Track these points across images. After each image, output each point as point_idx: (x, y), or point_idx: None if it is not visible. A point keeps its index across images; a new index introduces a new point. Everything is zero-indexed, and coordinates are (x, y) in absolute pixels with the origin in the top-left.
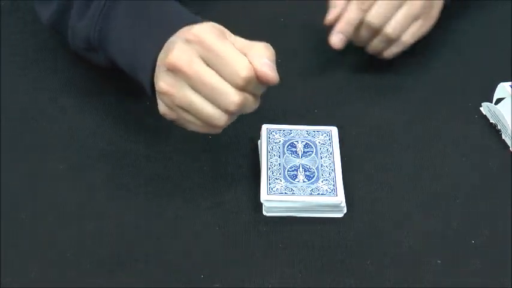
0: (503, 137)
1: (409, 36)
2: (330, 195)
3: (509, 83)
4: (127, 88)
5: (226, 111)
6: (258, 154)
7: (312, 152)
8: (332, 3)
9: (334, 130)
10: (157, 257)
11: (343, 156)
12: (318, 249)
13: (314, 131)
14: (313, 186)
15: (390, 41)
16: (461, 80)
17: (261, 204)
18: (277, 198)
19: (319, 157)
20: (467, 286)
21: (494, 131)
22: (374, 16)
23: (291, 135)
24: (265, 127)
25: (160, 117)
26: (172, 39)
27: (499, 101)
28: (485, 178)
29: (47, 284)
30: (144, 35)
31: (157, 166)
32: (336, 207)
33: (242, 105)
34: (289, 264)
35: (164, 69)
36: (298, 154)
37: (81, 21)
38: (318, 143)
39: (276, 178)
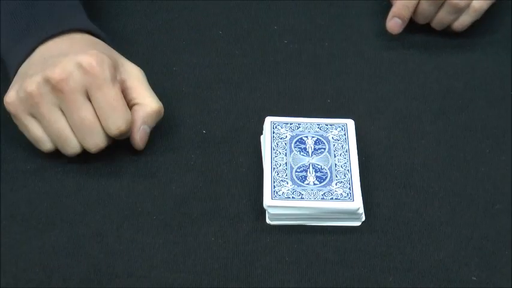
0: None
1: (482, 1)
2: (345, 200)
3: None
4: None
5: (86, 147)
6: (261, 152)
7: (324, 149)
8: None
9: (350, 123)
10: (142, 272)
11: (361, 154)
12: (332, 264)
13: (327, 125)
14: (325, 190)
15: (459, 11)
16: (500, 64)
17: (264, 211)
18: (283, 203)
19: (332, 155)
20: None
21: None
22: None
23: (300, 129)
24: (269, 120)
25: None
26: (65, 48)
27: None
28: None
29: None
30: (25, 29)
31: (143, 166)
32: (352, 214)
33: (103, 148)
34: (298, 282)
35: (42, 75)
36: (307, 152)
37: None
38: (331, 139)
39: (281, 180)
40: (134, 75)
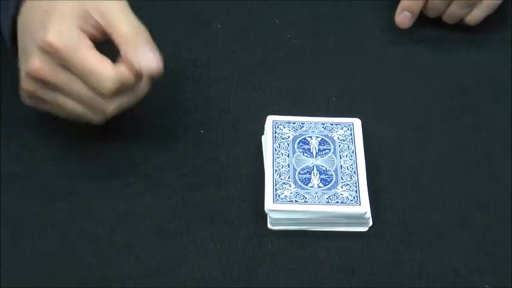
0: None
1: None
2: (351, 204)
3: None
4: None
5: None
6: (262, 153)
7: (329, 150)
8: None
9: (356, 123)
10: (137, 279)
11: (368, 155)
12: (337, 271)
13: (332, 124)
14: (330, 193)
15: (471, 5)
16: None
17: (265, 215)
18: (285, 207)
19: (338, 156)
20: None
21: None
22: None
23: (303, 129)
24: (270, 119)
25: (137, 106)
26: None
27: None
28: None
29: None
30: None
31: (137, 168)
32: (359, 218)
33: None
34: None
35: (25, 71)
36: (311, 153)
37: None
38: (336, 139)
39: (284, 183)
40: (110, 12)
